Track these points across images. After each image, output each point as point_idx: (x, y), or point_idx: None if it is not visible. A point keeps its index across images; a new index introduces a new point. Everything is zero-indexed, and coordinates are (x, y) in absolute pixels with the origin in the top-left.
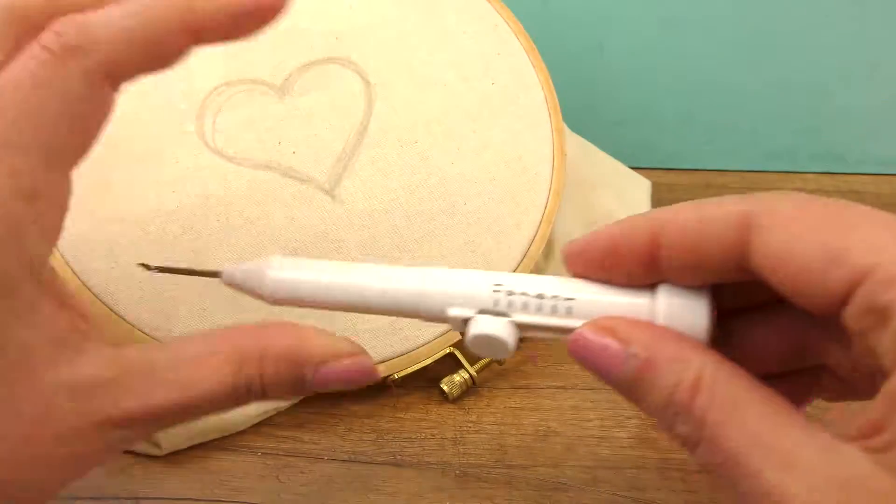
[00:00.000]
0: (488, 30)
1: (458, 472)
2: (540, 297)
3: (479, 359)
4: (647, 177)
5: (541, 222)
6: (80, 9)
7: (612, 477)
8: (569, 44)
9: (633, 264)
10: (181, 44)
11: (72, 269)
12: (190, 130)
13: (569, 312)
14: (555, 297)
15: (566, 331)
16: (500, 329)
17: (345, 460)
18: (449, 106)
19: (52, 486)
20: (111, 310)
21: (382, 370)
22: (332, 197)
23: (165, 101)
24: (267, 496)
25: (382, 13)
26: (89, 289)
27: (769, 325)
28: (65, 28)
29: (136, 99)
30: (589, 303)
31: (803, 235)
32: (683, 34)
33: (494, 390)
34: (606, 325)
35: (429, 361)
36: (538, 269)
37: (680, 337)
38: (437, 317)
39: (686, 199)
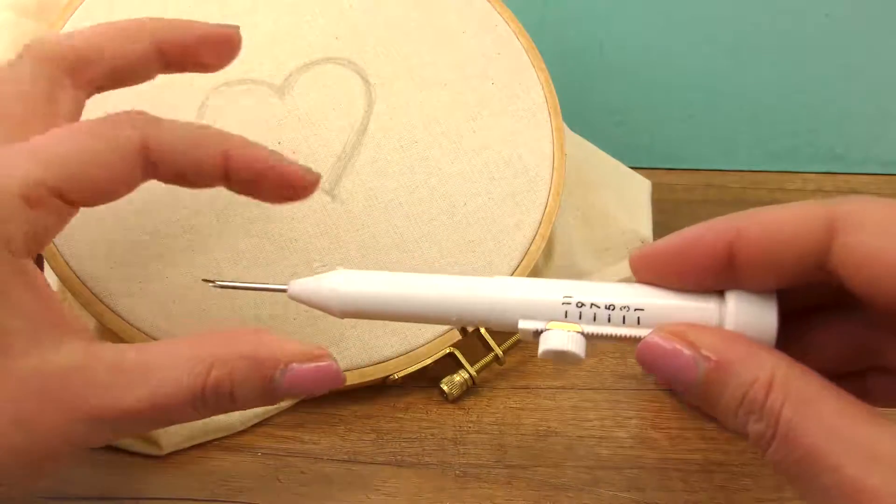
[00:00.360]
0: (488, 30)
1: (458, 472)
2: (610, 307)
3: (479, 359)
4: (647, 177)
5: (541, 222)
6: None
7: (612, 477)
8: (569, 44)
9: (705, 269)
10: (147, 60)
11: (71, 269)
12: None
13: (639, 322)
14: (625, 307)
15: (636, 340)
16: (572, 343)
17: (345, 460)
18: (449, 106)
19: (10, 475)
20: (111, 309)
21: (382, 370)
22: (332, 197)
23: (165, 101)
24: (267, 496)
25: (382, 13)
26: (89, 288)
27: (829, 326)
28: (25, 47)
29: (135, 99)
30: (659, 311)
31: (893, 237)
32: (683, 34)
33: (494, 390)
34: (676, 330)
35: (429, 361)
36: (538, 269)
37: (750, 340)
38: (508, 327)
39: (686, 199)
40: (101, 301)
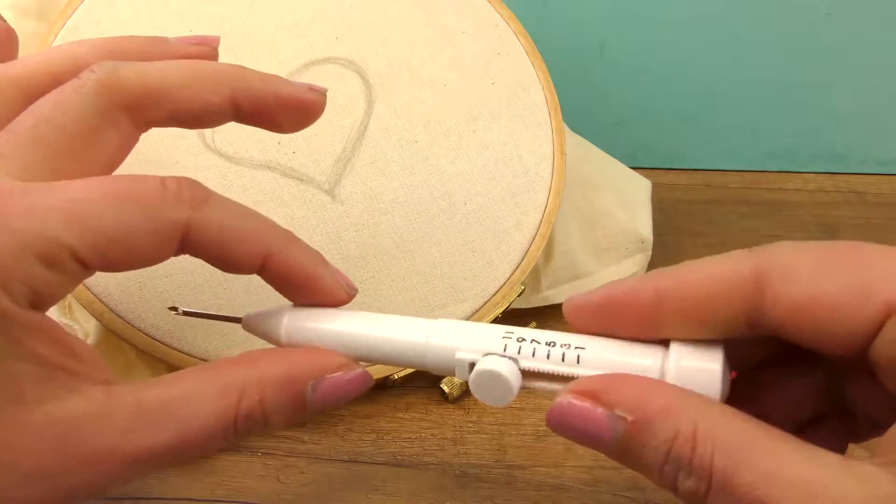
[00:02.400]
0: (488, 30)
1: (458, 472)
2: (550, 344)
3: None
4: (647, 177)
5: (541, 222)
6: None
7: (612, 477)
8: (569, 44)
9: (635, 324)
10: (221, 111)
11: None
12: (191, 133)
13: (579, 361)
14: (566, 344)
15: (573, 379)
16: (506, 367)
17: (345, 460)
18: (449, 106)
19: None
20: (111, 309)
21: (383, 370)
22: (332, 197)
23: None
24: (267, 496)
25: (382, 13)
26: (88, 289)
27: (795, 374)
28: (99, 66)
29: None
30: (601, 352)
31: (826, 279)
32: (683, 34)
33: None
34: (587, 388)
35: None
36: (538, 269)
37: (671, 388)
38: (446, 365)
39: (686, 199)
40: (101, 301)
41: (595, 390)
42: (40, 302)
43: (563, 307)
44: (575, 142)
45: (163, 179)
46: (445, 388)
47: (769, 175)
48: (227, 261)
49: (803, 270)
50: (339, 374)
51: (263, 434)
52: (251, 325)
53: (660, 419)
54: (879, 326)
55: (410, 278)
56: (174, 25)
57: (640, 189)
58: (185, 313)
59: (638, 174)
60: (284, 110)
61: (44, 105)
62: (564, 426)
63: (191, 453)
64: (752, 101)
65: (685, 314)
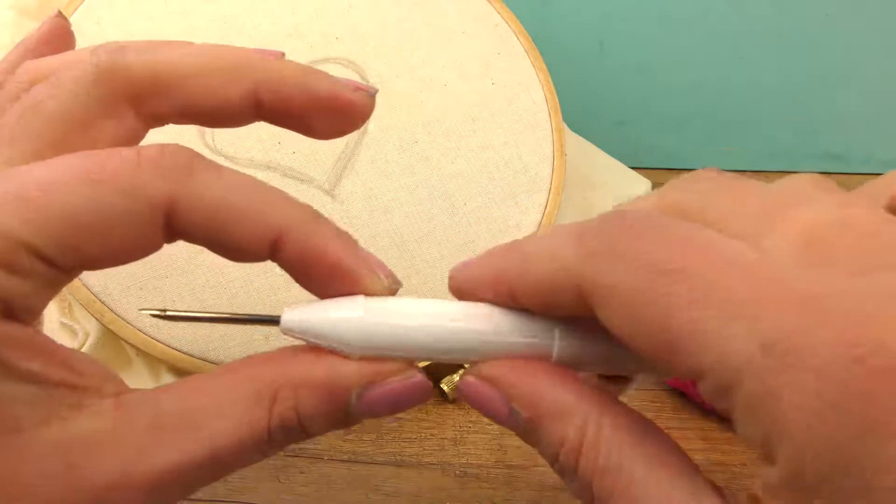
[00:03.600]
0: (488, 30)
1: (458, 472)
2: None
3: None
4: (647, 177)
5: (541, 222)
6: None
7: None
8: (569, 44)
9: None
10: (241, 107)
11: None
12: (189, 131)
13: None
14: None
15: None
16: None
17: (345, 460)
18: (449, 106)
19: None
20: (111, 309)
21: None
22: (332, 197)
23: None
24: (267, 496)
25: (382, 13)
26: (88, 289)
27: None
28: (103, 49)
29: None
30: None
31: (638, 325)
32: (683, 34)
33: None
34: (489, 374)
35: (429, 361)
36: None
37: (567, 383)
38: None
39: None
40: (100, 301)
41: (495, 377)
42: (16, 312)
43: (449, 286)
44: (575, 142)
45: (139, 149)
46: (445, 388)
47: (769, 175)
48: (227, 245)
49: (614, 306)
50: (394, 379)
51: (302, 442)
52: (296, 326)
53: (548, 422)
54: (696, 377)
55: (410, 278)
56: (174, 25)
57: (640, 189)
58: (170, 317)
59: (638, 174)
60: (321, 112)
61: (37, 92)
62: (471, 401)
63: (221, 471)
64: (752, 101)
65: (535, 305)
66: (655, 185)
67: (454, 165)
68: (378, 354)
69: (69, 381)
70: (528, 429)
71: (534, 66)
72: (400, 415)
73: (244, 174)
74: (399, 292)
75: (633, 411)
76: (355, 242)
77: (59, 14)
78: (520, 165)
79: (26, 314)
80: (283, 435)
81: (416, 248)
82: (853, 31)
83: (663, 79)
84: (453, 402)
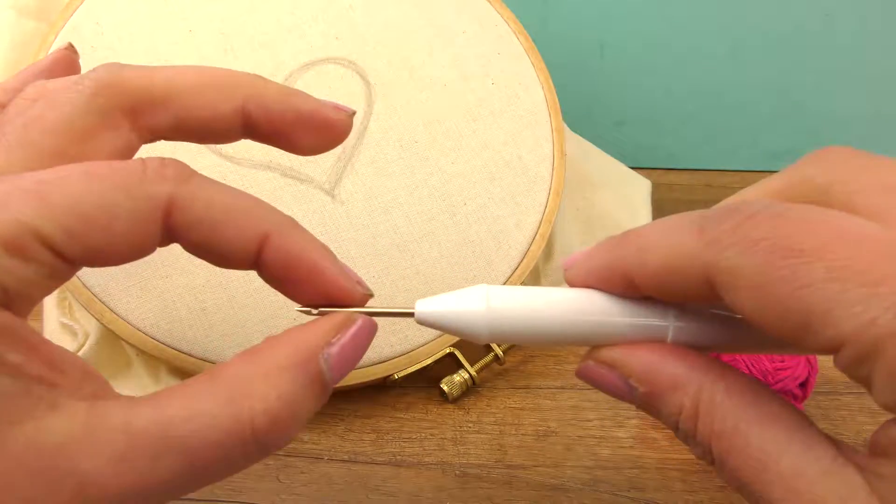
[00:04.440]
0: (488, 30)
1: (458, 472)
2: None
3: (478, 359)
4: (647, 177)
5: (541, 222)
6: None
7: (612, 477)
8: (569, 44)
9: (624, 292)
10: (231, 123)
11: None
12: None
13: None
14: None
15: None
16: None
17: (345, 460)
18: (449, 106)
19: None
20: (111, 309)
21: (383, 370)
22: (332, 197)
23: None
24: (267, 496)
25: (382, 13)
26: (88, 289)
27: None
28: (103, 66)
29: None
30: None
31: (769, 304)
32: (683, 34)
33: (494, 390)
34: (605, 358)
35: (429, 361)
36: (538, 270)
37: (679, 357)
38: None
39: (686, 200)
40: (100, 301)
41: (612, 360)
42: (12, 301)
43: (565, 277)
44: (575, 142)
45: (143, 159)
46: (445, 388)
47: (769, 175)
48: (217, 246)
49: (745, 288)
50: (346, 332)
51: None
52: (430, 315)
53: (667, 393)
54: (831, 352)
55: (410, 278)
56: (174, 25)
57: (640, 189)
58: (322, 313)
59: (638, 174)
60: (304, 129)
61: (38, 105)
62: (590, 382)
63: (204, 478)
64: (752, 101)
65: (655, 291)
66: (655, 186)
67: (454, 165)
68: (502, 342)
69: (47, 377)
70: (647, 402)
71: (534, 66)
72: (400, 414)
73: (234, 188)
74: (399, 292)
75: (745, 375)
76: (331, 252)
77: (70, 46)
78: (520, 165)
79: (22, 304)
80: (271, 432)
81: (416, 248)
82: (853, 31)
83: (663, 79)
84: (453, 402)
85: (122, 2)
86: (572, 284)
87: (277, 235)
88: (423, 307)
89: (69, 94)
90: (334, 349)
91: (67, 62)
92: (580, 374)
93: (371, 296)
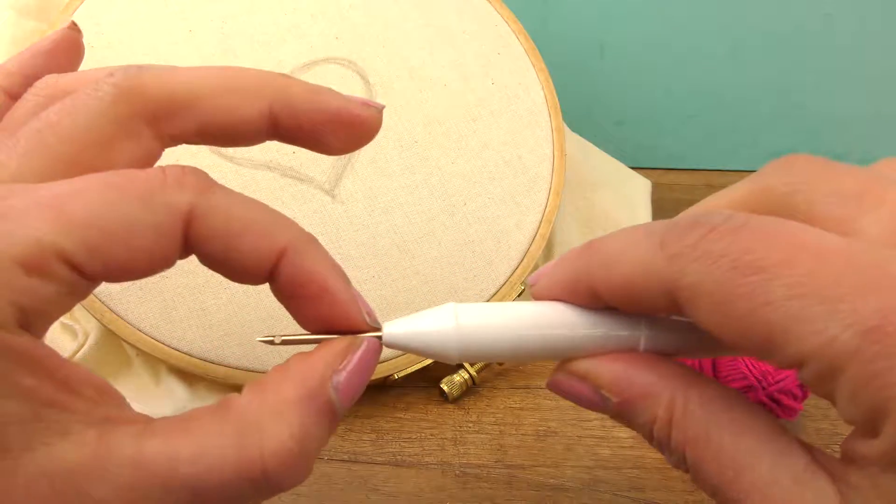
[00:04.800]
0: (488, 30)
1: (458, 472)
2: None
3: None
4: (647, 177)
5: (541, 222)
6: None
7: (612, 477)
8: (569, 44)
9: (590, 304)
10: (257, 127)
11: None
12: None
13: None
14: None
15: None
16: None
17: (345, 460)
18: (449, 106)
19: None
20: (111, 310)
21: (383, 370)
22: (332, 197)
23: None
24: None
25: (382, 13)
26: None
27: None
28: (121, 70)
29: None
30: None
31: (731, 321)
32: (683, 34)
33: (494, 390)
34: (576, 370)
35: (429, 361)
36: (538, 270)
37: (650, 366)
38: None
39: (686, 200)
40: (100, 301)
41: (583, 371)
42: (30, 321)
43: (531, 293)
44: (575, 142)
45: (163, 167)
46: (445, 388)
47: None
48: (234, 259)
49: (707, 305)
50: (352, 357)
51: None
52: (398, 338)
53: (639, 403)
54: (791, 368)
55: (410, 278)
56: (174, 25)
57: (640, 189)
58: (285, 342)
59: (638, 174)
60: (333, 129)
61: (54, 110)
62: (563, 395)
63: None
64: (752, 101)
65: (619, 304)
66: (655, 186)
67: (454, 165)
68: (474, 361)
69: (60, 401)
70: (620, 413)
71: (534, 66)
72: (400, 415)
73: (256, 200)
74: (399, 292)
75: (718, 384)
76: (346, 276)
77: (74, 25)
78: (520, 165)
79: (41, 323)
80: (284, 472)
81: (416, 248)
82: (853, 31)
83: (663, 79)
84: (453, 402)
85: (122, 2)
86: (538, 299)
87: (293, 252)
88: (392, 329)
89: (87, 101)
90: (342, 376)
91: (70, 43)
92: (551, 387)
93: (379, 329)
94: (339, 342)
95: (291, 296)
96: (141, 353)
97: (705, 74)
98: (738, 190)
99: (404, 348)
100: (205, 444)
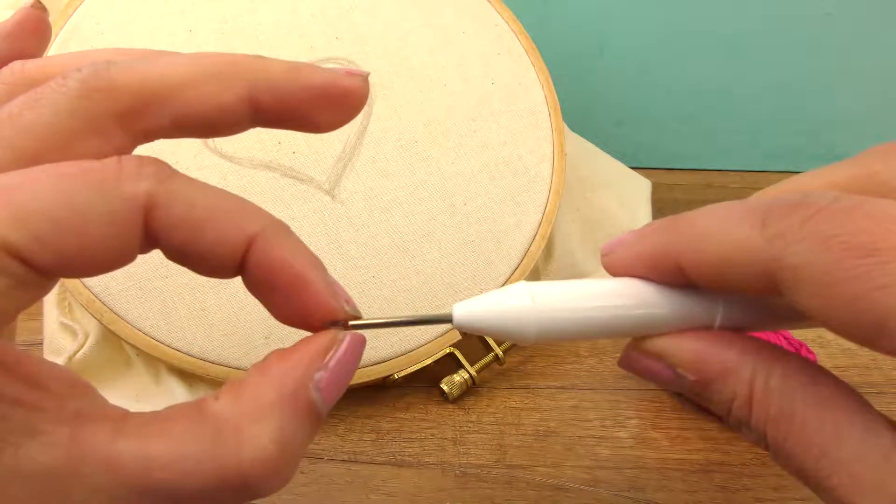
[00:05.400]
0: (488, 30)
1: (458, 472)
2: None
3: (478, 359)
4: (647, 177)
5: (541, 222)
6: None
7: (612, 477)
8: (569, 44)
9: (673, 280)
10: (237, 114)
11: None
12: None
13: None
14: None
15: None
16: None
17: (345, 460)
18: (449, 106)
19: None
20: (111, 309)
21: (383, 370)
22: (332, 197)
23: None
24: (266, 496)
25: (382, 13)
26: (88, 289)
27: None
28: (89, 64)
29: None
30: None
31: (839, 305)
32: (683, 34)
33: (494, 390)
34: (651, 348)
35: (429, 361)
36: (538, 270)
37: (728, 343)
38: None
39: (686, 200)
40: (100, 301)
41: (659, 350)
42: None
43: (603, 262)
44: (575, 142)
45: (119, 157)
46: (445, 388)
47: (769, 175)
48: (200, 250)
49: (812, 286)
50: (333, 355)
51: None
52: (470, 319)
53: (718, 381)
54: None
55: (410, 278)
56: (174, 25)
57: (640, 189)
58: (357, 325)
59: (638, 174)
60: (319, 105)
61: (17, 102)
62: (635, 373)
63: None
64: (752, 101)
65: (708, 283)
66: (655, 186)
67: (454, 165)
68: (550, 342)
69: (26, 398)
70: (698, 391)
71: (534, 66)
72: (400, 414)
73: (220, 188)
74: (399, 293)
75: (800, 358)
76: (322, 265)
77: (37, 3)
78: (520, 165)
79: None
80: (264, 475)
81: (416, 248)
82: (853, 31)
83: (663, 79)
84: (453, 402)
85: (122, 2)
86: (613, 271)
87: (263, 239)
88: (463, 310)
89: (52, 95)
90: (323, 374)
91: (34, 21)
92: (624, 365)
93: (358, 318)
94: (319, 338)
95: (264, 287)
96: (141, 353)
97: (705, 74)
98: (838, 172)
99: (477, 330)
100: (180, 449)
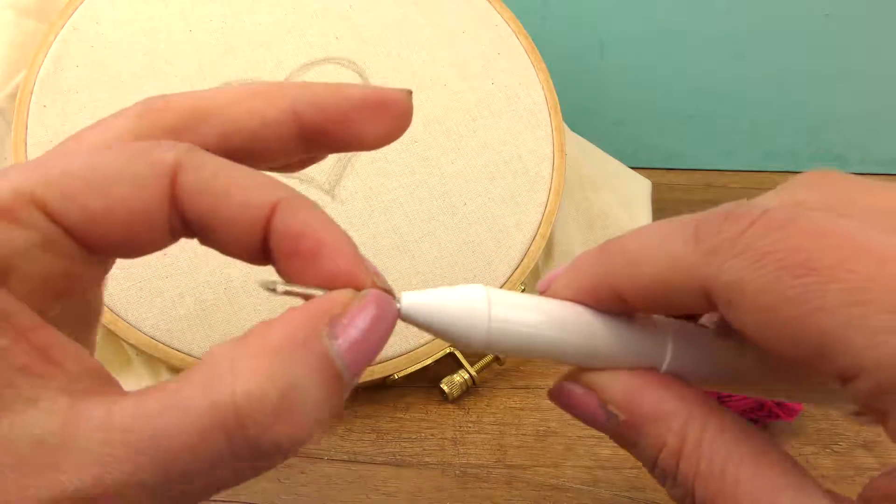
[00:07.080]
0: (488, 30)
1: (458, 472)
2: None
3: (479, 359)
4: (647, 177)
5: (541, 222)
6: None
7: (611, 477)
8: (569, 44)
9: (614, 308)
10: (281, 128)
11: None
12: None
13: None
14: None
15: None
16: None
17: (345, 460)
18: (449, 106)
19: None
20: (111, 310)
21: (383, 370)
22: (332, 197)
23: None
24: (267, 496)
25: (382, 13)
26: None
27: None
28: (147, 98)
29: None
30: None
31: (777, 326)
32: (683, 34)
33: (494, 390)
34: (587, 380)
35: (429, 361)
36: (538, 270)
37: (667, 385)
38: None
39: (686, 200)
40: None
41: (594, 383)
42: (5, 274)
43: (541, 288)
44: (575, 142)
45: (154, 141)
46: (445, 388)
47: (769, 175)
48: (227, 215)
49: (750, 307)
50: (358, 308)
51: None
52: (417, 311)
53: (650, 423)
54: (842, 381)
55: (410, 278)
56: (174, 25)
57: (640, 189)
58: (288, 293)
59: (638, 174)
60: (361, 114)
61: (84, 130)
62: (563, 405)
63: (187, 479)
64: (752, 101)
65: (647, 307)
66: (655, 186)
67: (454, 165)
68: (496, 353)
69: (35, 367)
70: (624, 433)
71: (534, 66)
72: (400, 414)
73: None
74: (398, 293)
75: (733, 414)
76: (347, 235)
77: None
78: (520, 165)
79: (15, 279)
80: (259, 414)
81: (416, 248)
82: (852, 31)
83: (663, 79)
84: (453, 402)
85: (122, 2)
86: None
87: (287, 204)
88: (413, 299)
89: (114, 120)
90: (345, 321)
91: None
92: (553, 396)
93: (389, 291)
94: (340, 294)
95: (285, 255)
96: (141, 353)
97: (705, 74)
98: (766, 202)
99: (423, 324)
100: (174, 396)
